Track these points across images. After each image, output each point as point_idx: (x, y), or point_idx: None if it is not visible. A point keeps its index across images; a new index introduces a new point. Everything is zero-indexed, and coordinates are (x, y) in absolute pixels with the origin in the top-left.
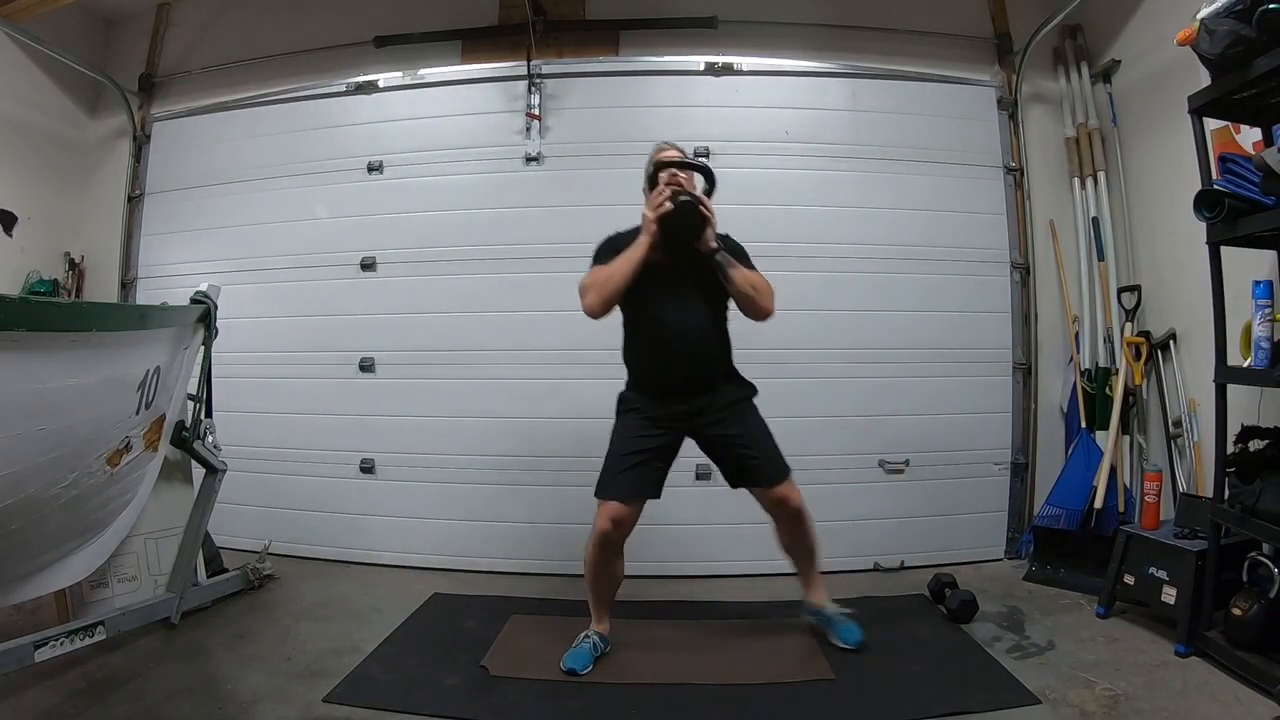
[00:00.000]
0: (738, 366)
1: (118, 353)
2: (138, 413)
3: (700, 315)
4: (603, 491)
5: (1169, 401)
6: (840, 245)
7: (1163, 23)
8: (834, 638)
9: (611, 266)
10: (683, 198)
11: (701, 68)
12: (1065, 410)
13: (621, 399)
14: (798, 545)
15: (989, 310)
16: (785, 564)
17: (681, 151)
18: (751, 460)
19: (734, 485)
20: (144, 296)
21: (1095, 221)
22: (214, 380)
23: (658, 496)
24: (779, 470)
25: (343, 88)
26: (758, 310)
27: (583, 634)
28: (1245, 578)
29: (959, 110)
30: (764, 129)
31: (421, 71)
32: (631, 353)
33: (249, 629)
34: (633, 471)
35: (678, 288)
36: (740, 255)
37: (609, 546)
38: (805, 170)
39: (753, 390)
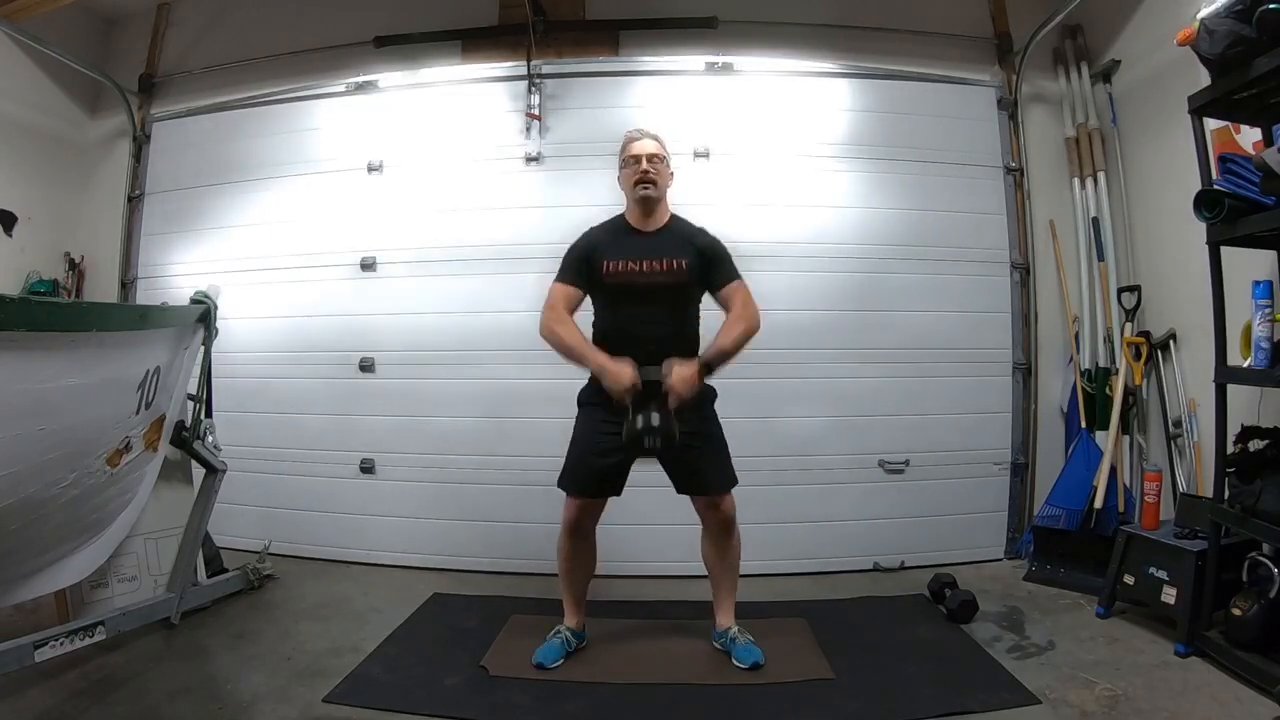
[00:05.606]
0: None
1: (118, 353)
2: (138, 413)
3: (666, 323)
4: (569, 487)
5: (1169, 401)
6: (840, 245)
7: (1163, 23)
8: (734, 659)
9: (569, 342)
10: (648, 379)
11: (701, 68)
12: (1065, 410)
13: (583, 392)
14: (722, 560)
15: (989, 310)
16: (786, 564)
17: (657, 139)
18: (703, 464)
19: (680, 491)
20: (144, 296)
21: (1095, 221)
22: (214, 380)
23: (619, 494)
24: (727, 480)
25: (343, 88)
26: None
27: (554, 629)
28: (1245, 578)
29: (959, 110)
30: (764, 129)
31: (422, 71)
32: (599, 338)
33: (249, 629)
34: (597, 470)
35: (647, 298)
36: (720, 260)
37: (580, 532)
38: (805, 170)
39: (713, 393)
